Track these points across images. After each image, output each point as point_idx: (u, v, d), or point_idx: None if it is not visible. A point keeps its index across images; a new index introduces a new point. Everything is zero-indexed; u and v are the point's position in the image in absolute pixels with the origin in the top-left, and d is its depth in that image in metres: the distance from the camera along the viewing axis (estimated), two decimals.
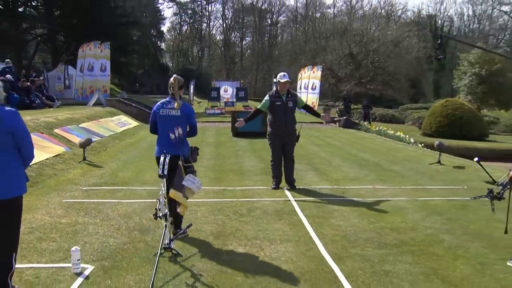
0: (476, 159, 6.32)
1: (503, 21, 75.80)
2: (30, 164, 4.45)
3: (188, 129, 5.97)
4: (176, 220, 5.88)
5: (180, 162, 5.54)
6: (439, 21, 73.72)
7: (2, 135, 3.91)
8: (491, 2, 75.76)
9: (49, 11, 40.73)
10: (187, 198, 5.45)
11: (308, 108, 9.63)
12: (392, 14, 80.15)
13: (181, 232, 5.72)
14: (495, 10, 75.78)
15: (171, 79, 5.93)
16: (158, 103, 6.06)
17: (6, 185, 3.95)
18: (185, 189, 5.36)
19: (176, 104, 5.84)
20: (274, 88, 9.27)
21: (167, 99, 6.03)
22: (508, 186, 5.54)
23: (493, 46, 58.01)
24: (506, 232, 5.41)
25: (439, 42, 14.10)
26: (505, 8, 74.77)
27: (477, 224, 6.89)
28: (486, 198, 5.92)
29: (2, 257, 4.05)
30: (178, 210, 5.49)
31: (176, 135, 5.53)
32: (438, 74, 65.00)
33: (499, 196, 5.62)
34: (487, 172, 6.55)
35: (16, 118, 4.00)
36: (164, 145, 5.78)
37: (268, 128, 9.13)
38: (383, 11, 79.09)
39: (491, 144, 26.67)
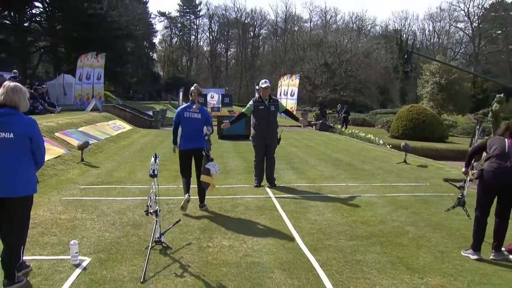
0: (444, 179, 6.46)
1: (459, 36, 77.49)
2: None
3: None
4: (201, 196, 7.12)
5: (204, 153, 6.65)
6: (404, 35, 74.53)
7: (22, 140, 4.10)
8: (448, 19, 77.20)
9: (51, 26, 41.08)
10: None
11: (288, 113, 9.63)
12: (363, 28, 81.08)
13: (203, 206, 7.13)
14: (452, 26, 77.24)
15: (192, 87, 6.94)
16: (181, 107, 7.13)
17: (22, 184, 4.10)
18: (210, 173, 6.52)
19: (194, 106, 6.86)
20: (257, 94, 9.26)
21: (188, 103, 7.04)
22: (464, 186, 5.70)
23: (451, 58, 59.03)
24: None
25: (406, 56, 14.20)
26: (460, 25, 76.26)
27: (438, 217, 6.96)
28: (459, 207, 6.06)
29: (12, 250, 4.18)
30: (207, 189, 6.76)
31: (208, 132, 6.87)
32: (404, 82, 65.73)
33: (461, 199, 5.76)
34: (455, 185, 6.61)
35: (34, 125, 4.22)
36: (190, 140, 6.89)
37: (252, 131, 9.12)
38: (354, 25, 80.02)
39: (450, 145, 26.95)
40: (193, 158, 7.02)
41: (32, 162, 4.25)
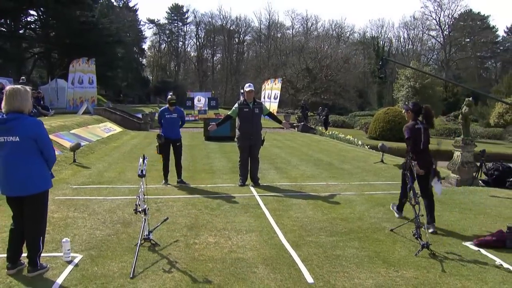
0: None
1: (431, 43, 78.50)
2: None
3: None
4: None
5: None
6: (381, 42, 74.91)
7: (28, 141, 4.20)
8: (421, 28, 78.11)
9: (45, 33, 41.17)
10: None
11: (272, 116, 9.64)
12: (342, 35, 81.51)
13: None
14: (425, 34, 78.17)
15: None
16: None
17: (33, 182, 4.24)
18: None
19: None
20: (242, 98, 9.27)
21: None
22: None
23: (424, 64, 59.74)
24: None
25: (380, 63, 14.22)
26: (433, 33, 77.26)
27: (412, 214, 6.99)
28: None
29: (33, 240, 4.37)
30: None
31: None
32: (381, 86, 66.11)
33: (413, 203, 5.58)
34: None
35: (39, 126, 4.30)
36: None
37: (237, 132, 9.12)
38: (334, 32, 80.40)
39: None
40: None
41: (41, 160, 4.34)
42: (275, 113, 12.31)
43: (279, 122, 9.91)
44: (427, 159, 6.20)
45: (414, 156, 5.99)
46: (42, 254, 4.48)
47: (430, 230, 5.95)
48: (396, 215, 6.77)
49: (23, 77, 21.69)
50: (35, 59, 44.24)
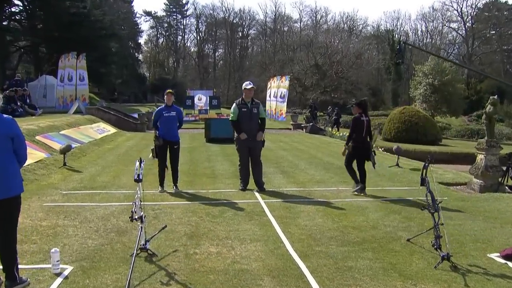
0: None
1: (452, 36, 77.97)
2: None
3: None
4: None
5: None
6: (396, 36, 74.87)
7: (2, 139, 4.17)
8: (441, 19, 77.78)
9: (32, 25, 40.77)
10: None
11: (261, 121, 9.26)
12: (354, 28, 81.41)
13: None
14: (445, 26, 77.81)
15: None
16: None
17: (9, 184, 4.19)
18: None
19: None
20: (240, 97, 9.30)
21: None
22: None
23: (443, 60, 59.75)
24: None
25: (398, 47, 14.25)
26: (453, 25, 76.82)
27: (431, 222, 6.97)
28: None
29: (10, 251, 4.32)
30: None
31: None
32: (396, 84, 66.11)
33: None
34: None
35: (14, 124, 4.30)
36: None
37: (235, 133, 9.16)
38: (345, 25, 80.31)
39: (443, 148, 27.12)
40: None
41: (16, 161, 4.33)
42: (283, 114, 12.29)
43: (262, 130, 9.26)
44: (365, 146, 8.97)
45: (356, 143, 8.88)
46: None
47: (358, 187, 8.91)
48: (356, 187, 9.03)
49: (19, 74, 21.86)
50: (20, 53, 44.21)
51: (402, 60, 15.39)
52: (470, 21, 74.10)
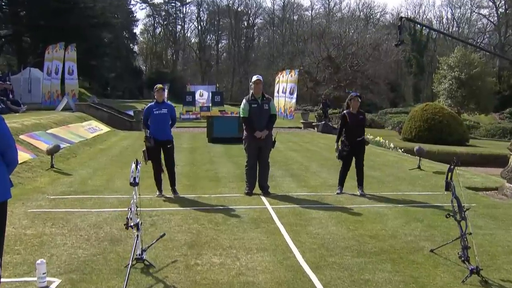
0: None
1: (482, 24, 77.04)
2: None
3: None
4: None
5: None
6: (418, 25, 74.65)
7: None
8: (469, 5, 77.07)
9: (14, 12, 40.34)
10: None
11: (271, 118, 9.30)
12: (371, 17, 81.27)
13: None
14: (474, 13, 77.10)
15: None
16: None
17: (6, 186, 4.03)
18: None
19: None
20: (251, 91, 9.29)
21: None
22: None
23: (472, 50, 59.14)
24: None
25: (399, 25, 14.24)
26: (484, 11, 76.08)
27: (457, 231, 6.94)
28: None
29: None
30: None
31: None
32: (417, 78, 65.85)
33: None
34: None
35: (2, 122, 4.05)
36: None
37: (244, 132, 9.16)
38: (361, 13, 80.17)
39: (471, 149, 26.96)
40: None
41: (3, 165, 4.13)
42: (292, 111, 12.28)
43: (269, 128, 9.26)
44: (357, 139, 9.35)
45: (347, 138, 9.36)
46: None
47: (359, 192, 9.31)
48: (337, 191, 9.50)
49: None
50: (1, 43, 44.07)
51: (400, 40, 15.09)
52: (504, 7, 72.78)
